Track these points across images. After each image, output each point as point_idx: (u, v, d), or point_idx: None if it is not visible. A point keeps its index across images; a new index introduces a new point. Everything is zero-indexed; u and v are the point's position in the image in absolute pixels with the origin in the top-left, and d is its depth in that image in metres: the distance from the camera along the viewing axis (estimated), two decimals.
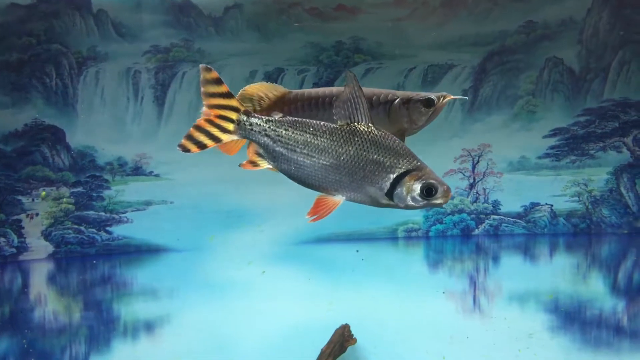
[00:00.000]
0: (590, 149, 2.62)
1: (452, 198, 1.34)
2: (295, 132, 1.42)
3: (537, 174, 2.64)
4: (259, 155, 1.46)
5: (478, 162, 2.64)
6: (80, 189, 2.66)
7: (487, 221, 2.68)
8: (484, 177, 2.65)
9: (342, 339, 2.52)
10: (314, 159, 1.42)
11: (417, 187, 1.37)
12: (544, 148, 2.62)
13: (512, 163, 2.64)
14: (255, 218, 2.70)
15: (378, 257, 2.70)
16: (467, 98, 1.49)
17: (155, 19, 2.58)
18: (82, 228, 2.67)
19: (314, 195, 2.72)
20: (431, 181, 1.38)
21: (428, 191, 1.37)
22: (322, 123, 1.42)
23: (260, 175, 2.67)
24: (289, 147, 1.42)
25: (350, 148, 1.40)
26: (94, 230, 2.68)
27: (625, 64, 2.55)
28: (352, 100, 1.39)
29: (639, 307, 2.68)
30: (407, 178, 1.38)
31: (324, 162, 1.41)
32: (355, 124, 1.40)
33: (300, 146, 1.42)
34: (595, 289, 2.69)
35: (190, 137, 1.42)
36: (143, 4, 2.57)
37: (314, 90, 1.52)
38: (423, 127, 1.49)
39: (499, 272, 2.70)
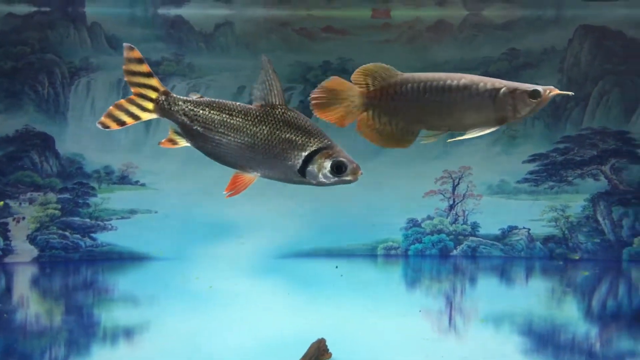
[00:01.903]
0: (569, 175, 2.60)
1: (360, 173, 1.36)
2: (212, 112, 1.45)
3: (516, 198, 2.62)
4: (178, 134, 1.49)
5: (458, 184, 2.62)
6: (67, 195, 2.64)
7: (465, 242, 2.65)
8: (463, 199, 2.63)
9: (318, 352, 2.48)
10: (230, 138, 1.44)
11: (327, 164, 1.41)
12: (523, 173, 2.60)
13: (491, 186, 2.62)
14: (238, 230, 2.67)
15: (357, 273, 2.67)
16: (573, 94, 1.49)
17: (147, 33, 2.57)
18: (67, 233, 2.64)
19: (295, 211, 2.70)
20: (341, 159, 1.41)
21: (338, 168, 1.41)
22: (237, 103, 1.46)
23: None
24: (206, 126, 1.45)
25: (264, 127, 1.43)
26: (78, 236, 2.65)
27: (605, 94, 2.54)
28: (267, 83, 1.43)
29: (611, 333, 2.64)
30: (318, 156, 1.41)
31: (240, 141, 1.44)
32: (270, 105, 1.43)
33: (217, 125, 1.44)
34: (569, 314, 2.65)
35: (110, 115, 1.44)
36: (136, 18, 2.57)
37: (424, 74, 1.51)
38: (525, 118, 1.49)
39: (475, 293, 2.67)
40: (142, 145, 2.65)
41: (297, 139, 1.43)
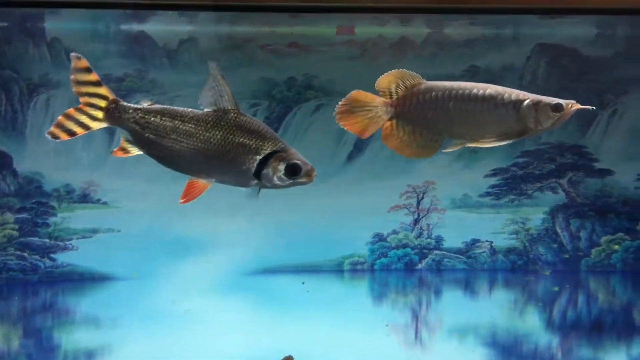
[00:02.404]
0: (528, 189, 2.65)
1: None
2: (163, 118, 1.43)
3: (478, 212, 2.65)
4: (130, 142, 1.46)
5: (422, 198, 2.64)
6: (25, 215, 2.55)
7: (430, 256, 2.67)
8: (428, 213, 2.65)
9: None
10: (183, 144, 1.42)
11: (282, 167, 1.41)
12: (484, 187, 2.64)
13: (454, 200, 2.65)
14: (203, 248, 2.63)
15: (324, 289, 2.65)
16: (595, 108, 1.50)
17: (109, 48, 2.52)
18: (26, 254, 2.55)
19: (260, 227, 2.67)
20: (295, 161, 1.42)
21: (292, 171, 1.41)
22: (189, 109, 1.44)
23: (208, 205, 2.60)
24: (159, 133, 1.43)
25: (217, 132, 1.41)
26: (37, 257, 2.56)
27: None
28: (216, 88, 1.42)
29: (572, 342, 2.70)
30: (272, 159, 1.41)
31: (193, 147, 1.42)
32: (222, 110, 1.42)
33: (169, 132, 1.42)
34: (531, 325, 2.70)
35: (60, 125, 1.42)
36: (98, 33, 2.51)
37: (448, 83, 1.51)
38: (546, 130, 1.52)
39: (440, 306, 2.69)
40: (104, 163, 2.58)
41: (251, 142, 1.42)
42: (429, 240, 2.67)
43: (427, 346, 2.67)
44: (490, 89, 1.49)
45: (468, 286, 2.69)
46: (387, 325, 2.67)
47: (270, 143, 1.43)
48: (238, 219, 2.62)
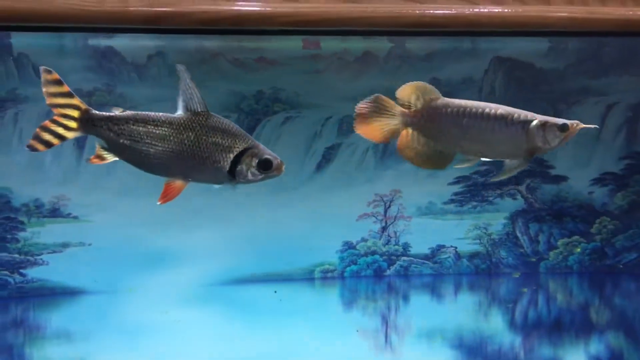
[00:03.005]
0: (489, 195, 2.75)
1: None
2: (137, 124, 1.49)
3: (443, 218, 2.73)
4: (105, 149, 1.53)
5: (389, 206, 2.71)
6: None
7: (397, 262, 2.74)
8: (395, 220, 2.72)
9: None
10: (158, 148, 1.48)
11: (254, 162, 1.49)
12: (448, 194, 2.72)
13: (420, 208, 2.72)
14: (174, 260, 2.63)
15: (295, 297, 2.69)
16: (597, 127, 1.59)
17: (77, 63, 2.52)
18: None
19: (231, 237, 2.69)
20: (267, 156, 1.51)
21: (264, 165, 1.50)
22: (161, 114, 1.51)
23: (180, 216, 2.62)
24: (133, 138, 1.49)
25: (190, 134, 1.48)
26: (7, 272, 2.52)
27: None
28: (186, 92, 1.50)
29: (533, 341, 2.80)
30: (245, 156, 1.49)
31: (168, 149, 1.48)
32: (193, 112, 1.50)
33: (144, 137, 1.48)
34: (495, 326, 2.78)
35: (37, 137, 1.47)
36: (65, 48, 2.51)
37: (464, 101, 1.59)
38: (553, 149, 1.59)
39: (408, 310, 2.75)
40: (74, 177, 2.57)
41: (224, 141, 1.49)
42: (396, 247, 2.73)
43: (397, 350, 2.73)
44: (502, 109, 1.57)
45: (435, 290, 2.76)
46: (357, 331, 2.72)
47: (241, 141, 1.50)
48: (208, 231, 2.64)
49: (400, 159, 2.68)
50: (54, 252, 2.56)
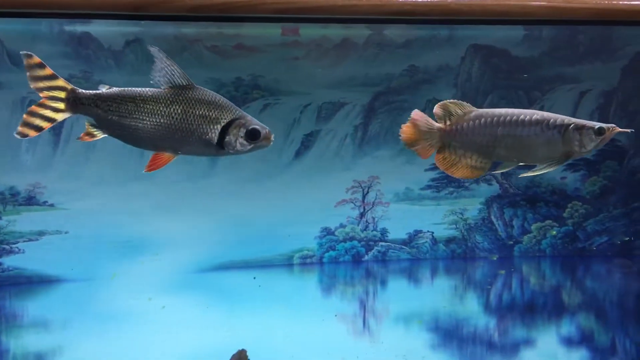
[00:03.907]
0: (465, 181, 2.78)
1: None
2: (124, 100, 1.50)
3: (420, 204, 2.76)
4: (94, 126, 1.53)
5: (367, 192, 2.73)
6: None
7: (375, 248, 2.76)
8: (373, 206, 2.74)
9: None
10: (146, 122, 1.49)
11: (242, 133, 1.50)
12: (425, 180, 2.75)
13: (398, 194, 2.74)
14: (153, 247, 2.62)
15: (274, 283, 2.70)
16: (633, 131, 1.62)
17: (53, 50, 2.47)
18: None
19: (209, 224, 2.68)
20: (254, 126, 1.52)
21: (253, 135, 1.51)
22: (147, 89, 1.52)
23: (157, 204, 2.60)
24: (121, 114, 1.50)
25: (177, 107, 1.49)
26: None
27: (494, 106, 2.71)
28: (166, 69, 1.52)
29: (507, 323, 2.86)
30: (232, 127, 1.50)
31: (156, 124, 1.49)
32: (178, 86, 1.51)
33: (132, 112, 1.49)
34: (471, 308, 2.83)
35: (25, 123, 1.47)
36: (41, 35, 2.45)
37: (497, 110, 1.65)
38: (589, 153, 1.64)
39: (386, 295, 2.78)
40: (50, 165, 2.53)
41: (211, 113, 1.50)
42: (374, 232, 2.76)
43: (375, 333, 2.76)
44: (537, 114, 1.62)
45: (412, 275, 2.80)
46: (336, 316, 2.74)
47: (228, 112, 1.52)
48: (187, 217, 2.62)
49: (379, 146, 2.72)
50: (30, 240, 2.52)
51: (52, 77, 1.49)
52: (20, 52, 1.46)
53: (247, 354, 2.51)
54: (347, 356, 2.74)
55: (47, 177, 2.53)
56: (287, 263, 2.70)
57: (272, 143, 1.57)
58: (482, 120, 1.62)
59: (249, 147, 1.53)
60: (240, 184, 2.60)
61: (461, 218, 2.80)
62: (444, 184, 2.77)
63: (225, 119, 1.51)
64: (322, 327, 2.71)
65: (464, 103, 1.67)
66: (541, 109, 2.75)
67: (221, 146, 1.51)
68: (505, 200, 2.82)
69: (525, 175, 1.69)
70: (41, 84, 1.48)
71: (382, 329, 2.77)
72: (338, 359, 2.73)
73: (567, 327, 2.88)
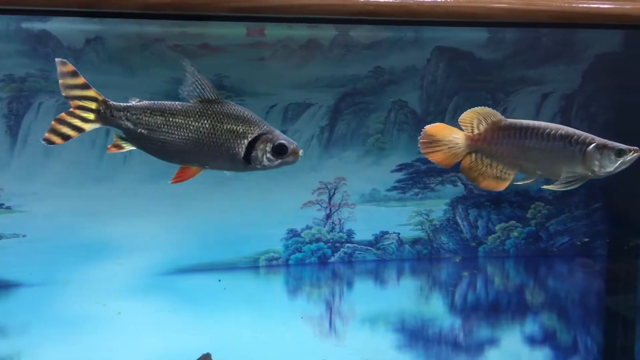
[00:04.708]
0: (431, 182, 2.79)
1: (298, 156, 1.53)
2: (153, 113, 1.50)
3: (386, 205, 2.76)
4: (122, 139, 1.54)
5: (334, 194, 2.72)
6: None
7: (342, 249, 2.75)
8: (339, 208, 2.73)
9: None
10: (175, 136, 1.50)
11: (269, 148, 1.51)
12: (391, 182, 2.75)
13: (364, 195, 2.74)
14: (114, 250, 2.56)
15: (240, 285, 2.66)
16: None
17: (10, 48, 2.39)
18: None
19: (174, 227, 2.63)
20: (281, 141, 1.52)
21: (280, 151, 1.52)
22: (177, 103, 1.53)
23: (119, 206, 2.55)
24: (150, 128, 1.50)
25: (205, 122, 1.50)
26: None
27: (459, 108, 2.76)
28: (197, 82, 1.53)
29: (472, 324, 2.88)
30: (259, 142, 1.51)
31: (184, 138, 1.50)
32: (206, 100, 1.52)
33: (160, 126, 1.50)
34: (436, 309, 2.85)
35: (53, 130, 1.47)
36: None
37: (526, 121, 1.64)
38: (610, 174, 1.60)
39: (352, 296, 2.78)
40: (7, 167, 2.45)
41: (238, 128, 1.50)
42: (340, 234, 2.75)
43: (341, 335, 2.75)
44: (562, 129, 1.60)
45: (378, 276, 2.80)
46: (302, 318, 2.73)
47: (256, 127, 1.52)
48: (150, 220, 2.57)
49: (345, 147, 2.71)
50: None
51: (84, 87, 1.49)
52: (56, 59, 1.46)
53: (212, 357, 2.48)
54: (313, 358, 2.72)
55: (4, 179, 2.45)
56: (252, 265, 2.67)
57: (300, 158, 1.57)
58: (512, 131, 1.61)
59: (276, 163, 1.54)
60: (205, 186, 2.56)
61: (427, 219, 2.81)
62: (410, 185, 2.77)
63: (252, 133, 1.51)
64: (288, 329, 2.68)
65: (495, 112, 1.66)
66: (505, 110, 2.79)
67: (248, 161, 1.52)
68: (470, 202, 2.84)
69: (546, 187, 1.67)
70: (72, 93, 1.48)
71: (348, 331, 2.76)
72: None
73: (531, 327, 2.92)
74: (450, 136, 1.66)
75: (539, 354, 2.91)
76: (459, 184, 2.83)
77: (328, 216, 2.73)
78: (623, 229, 2.97)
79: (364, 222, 2.74)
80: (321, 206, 2.72)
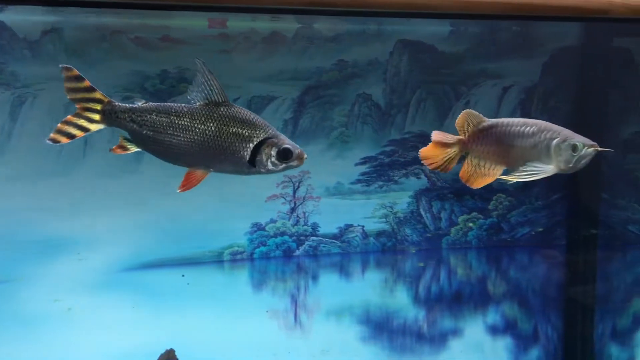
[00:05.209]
0: (395, 175, 2.81)
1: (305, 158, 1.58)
2: (159, 115, 1.50)
3: (351, 198, 2.77)
4: (128, 140, 1.55)
5: (298, 187, 2.71)
6: None
7: (306, 242, 2.75)
8: (303, 201, 2.73)
9: None
10: (180, 138, 1.50)
11: (274, 152, 1.51)
12: (356, 174, 2.76)
13: (328, 188, 2.74)
14: (74, 246, 2.50)
15: (204, 280, 2.64)
16: (613, 151, 1.62)
17: None
18: None
19: (136, 221, 2.60)
20: (286, 146, 1.53)
21: (284, 155, 1.52)
22: (183, 105, 1.53)
23: (78, 201, 2.50)
24: (156, 130, 1.50)
25: (211, 125, 1.50)
26: None
27: (422, 101, 2.79)
28: (206, 83, 1.54)
29: (436, 315, 2.92)
30: (264, 146, 1.51)
31: (190, 140, 1.50)
32: (213, 102, 1.52)
33: (166, 128, 1.49)
34: (400, 301, 2.87)
35: (59, 131, 1.49)
36: None
37: (507, 120, 1.68)
38: (575, 169, 1.61)
39: (317, 289, 2.78)
40: None
41: (244, 131, 1.51)
42: (305, 227, 2.74)
43: (307, 328, 2.76)
44: (536, 125, 1.63)
45: (343, 269, 2.81)
46: (267, 312, 2.72)
47: (261, 131, 1.52)
48: (110, 215, 2.52)
49: (309, 140, 2.70)
50: None
51: (89, 90, 1.50)
52: (60, 65, 1.49)
53: (176, 353, 2.45)
54: (278, 352, 2.72)
55: None
56: (217, 260, 2.65)
57: (304, 163, 1.58)
58: (493, 130, 1.66)
59: (280, 167, 1.54)
60: (167, 180, 2.51)
61: (391, 212, 2.83)
62: (374, 178, 2.79)
63: (257, 137, 1.51)
64: (253, 323, 2.67)
65: (478, 113, 1.70)
66: (467, 103, 2.82)
67: (253, 164, 1.52)
68: (434, 194, 2.87)
69: (504, 178, 1.70)
70: (78, 96, 1.49)
71: (313, 324, 2.76)
72: (270, 354, 2.71)
73: (493, 316, 2.97)
74: (446, 143, 1.71)
75: (501, 343, 2.97)
76: (422, 176, 2.85)
77: (292, 209, 2.72)
78: (581, 219, 3.04)
79: (328, 215, 2.74)
80: (285, 200, 2.71)
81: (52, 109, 2.42)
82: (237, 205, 2.63)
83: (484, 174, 1.71)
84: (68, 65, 1.49)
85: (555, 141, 1.62)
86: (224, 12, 2.42)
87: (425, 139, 2.82)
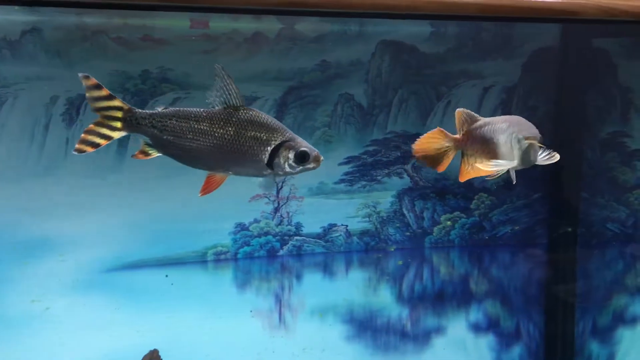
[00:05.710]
0: (378, 175, 2.83)
1: (323, 160, 1.62)
2: (179, 120, 1.53)
3: (334, 198, 2.78)
4: (149, 145, 1.57)
5: (282, 187, 2.72)
6: None
7: (290, 242, 2.76)
8: (287, 201, 2.73)
9: None
10: (200, 142, 1.52)
11: (291, 155, 1.55)
12: (339, 174, 2.77)
13: (312, 188, 2.75)
14: (56, 247, 2.48)
15: (187, 280, 2.63)
16: (545, 146, 1.66)
17: None
18: None
19: (120, 222, 2.59)
20: (303, 149, 1.56)
21: (301, 158, 1.56)
22: (202, 109, 1.56)
23: (61, 201, 2.48)
24: (176, 134, 1.53)
25: (230, 129, 1.53)
26: None
27: (404, 101, 2.81)
28: (225, 88, 1.56)
29: (419, 313, 2.94)
30: (282, 149, 1.55)
31: (209, 144, 1.53)
32: (232, 107, 1.55)
33: (186, 132, 1.52)
34: (384, 300, 2.89)
35: (83, 141, 1.51)
36: None
37: (491, 119, 1.71)
38: (528, 164, 1.67)
39: (301, 289, 2.79)
40: None
41: (262, 135, 1.54)
42: (289, 227, 2.75)
43: (291, 328, 2.76)
44: (507, 121, 1.69)
45: (327, 268, 2.81)
46: (251, 312, 2.72)
47: (279, 134, 1.55)
48: (93, 215, 2.51)
49: None
50: None
51: (109, 98, 1.51)
52: (79, 74, 1.49)
53: (160, 354, 2.45)
54: (262, 352, 2.72)
55: None
56: (200, 260, 2.65)
57: (320, 165, 1.62)
58: (480, 129, 1.70)
59: (297, 169, 1.57)
60: (150, 180, 2.52)
61: (374, 211, 2.84)
62: (357, 178, 2.80)
63: (275, 140, 1.54)
64: (238, 324, 2.67)
65: (470, 112, 1.72)
66: (448, 104, 2.85)
67: (271, 167, 1.55)
68: (416, 193, 2.89)
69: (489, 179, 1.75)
70: (98, 105, 1.51)
71: (298, 323, 2.77)
72: (254, 355, 2.71)
73: (475, 315, 3.00)
74: (443, 141, 1.72)
75: (483, 341, 3.00)
76: (405, 175, 2.87)
77: (276, 209, 2.73)
78: (562, 218, 3.08)
79: (312, 215, 2.75)
80: (269, 199, 2.71)
81: (33, 109, 2.40)
82: (221, 205, 2.63)
83: (475, 169, 1.75)
84: (86, 74, 1.50)
85: (513, 135, 1.68)
86: (203, 12, 2.41)
87: (407, 139, 2.87)
